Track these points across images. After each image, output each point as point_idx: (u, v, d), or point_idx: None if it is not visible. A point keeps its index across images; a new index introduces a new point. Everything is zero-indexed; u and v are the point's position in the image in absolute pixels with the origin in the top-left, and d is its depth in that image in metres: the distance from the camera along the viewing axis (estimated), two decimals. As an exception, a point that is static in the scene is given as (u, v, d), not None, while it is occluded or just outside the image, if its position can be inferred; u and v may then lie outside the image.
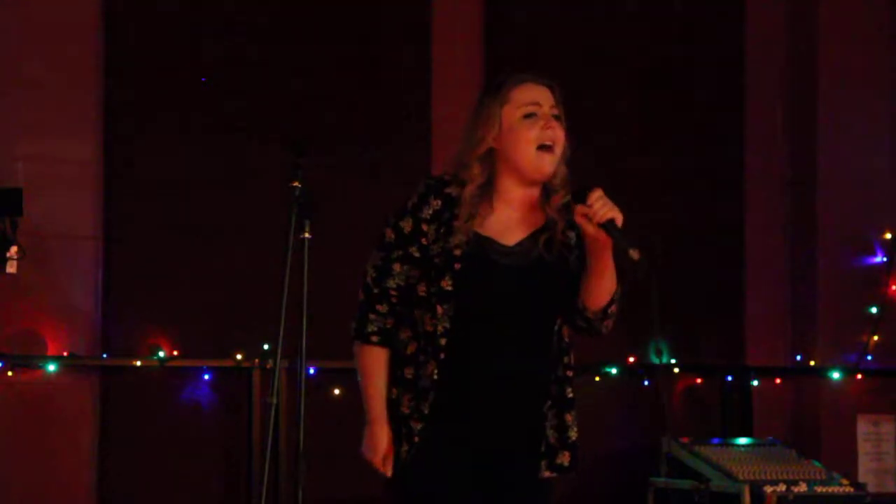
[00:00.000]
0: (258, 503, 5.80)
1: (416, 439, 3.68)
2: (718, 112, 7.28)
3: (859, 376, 7.30)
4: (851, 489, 6.17)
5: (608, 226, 3.58)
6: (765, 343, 7.33)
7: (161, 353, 6.07)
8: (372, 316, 3.74)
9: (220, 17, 6.33)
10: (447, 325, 3.67)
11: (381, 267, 3.74)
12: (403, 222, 3.73)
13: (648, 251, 3.53)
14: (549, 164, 3.70)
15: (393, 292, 3.73)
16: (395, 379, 3.75)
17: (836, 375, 7.25)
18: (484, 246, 3.70)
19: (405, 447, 3.70)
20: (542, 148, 3.69)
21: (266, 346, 6.07)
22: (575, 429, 3.80)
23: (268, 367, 6.07)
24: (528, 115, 3.70)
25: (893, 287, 7.37)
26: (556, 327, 3.78)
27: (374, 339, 3.74)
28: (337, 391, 6.31)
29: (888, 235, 7.37)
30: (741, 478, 6.07)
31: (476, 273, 3.68)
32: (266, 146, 6.14)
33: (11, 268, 5.73)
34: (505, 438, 3.73)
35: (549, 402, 3.76)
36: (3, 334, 5.93)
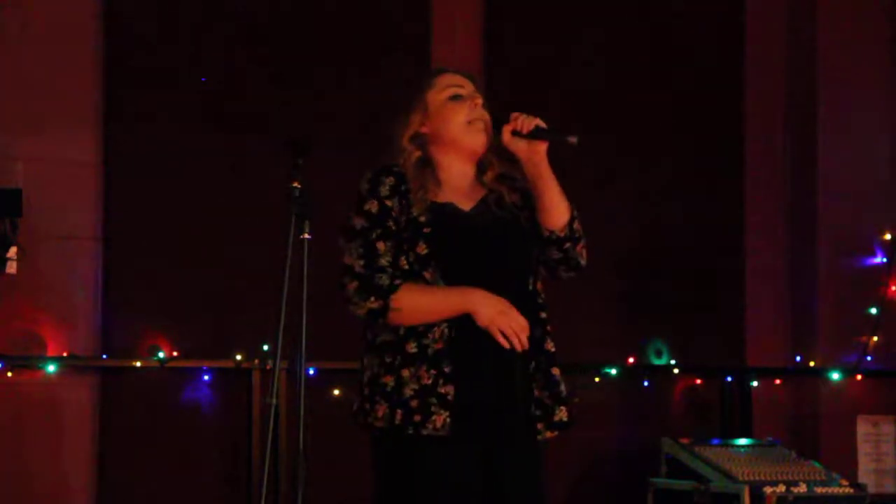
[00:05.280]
0: (258, 503, 5.80)
1: (451, 399, 3.61)
2: (718, 112, 7.28)
3: (859, 377, 7.29)
4: (851, 490, 6.17)
5: (538, 130, 3.78)
6: (765, 343, 7.33)
7: (161, 354, 6.07)
8: (378, 280, 3.67)
9: (221, 17, 6.33)
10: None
11: (364, 252, 3.70)
12: (367, 205, 3.75)
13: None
14: (480, 135, 3.84)
15: (389, 269, 3.69)
16: (397, 363, 3.66)
17: (835, 376, 7.25)
18: (446, 210, 3.76)
19: (442, 415, 3.60)
20: (471, 123, 3.84)
21: (266, 347, 6.07)
22: (563, 383, 3.82)
23: (268, 367, 6.07)
24: (453, 97, 3.85)
25: (893, 288, 7.37)
26: (530, 286, 3.83)
27: (398, 282, 3.67)
28: (337, 391, 6.31)
29: (888, 236, 7.37)
30: (741, 478, 6.06)
31: (446, 234, 3.72)
32: (266, 146, 6.14)
33: (11, 268, 5.72)
34: (505, 401, 3.71)
35: (534, 363, 3.77)
36: (3, 334, 5.92)
